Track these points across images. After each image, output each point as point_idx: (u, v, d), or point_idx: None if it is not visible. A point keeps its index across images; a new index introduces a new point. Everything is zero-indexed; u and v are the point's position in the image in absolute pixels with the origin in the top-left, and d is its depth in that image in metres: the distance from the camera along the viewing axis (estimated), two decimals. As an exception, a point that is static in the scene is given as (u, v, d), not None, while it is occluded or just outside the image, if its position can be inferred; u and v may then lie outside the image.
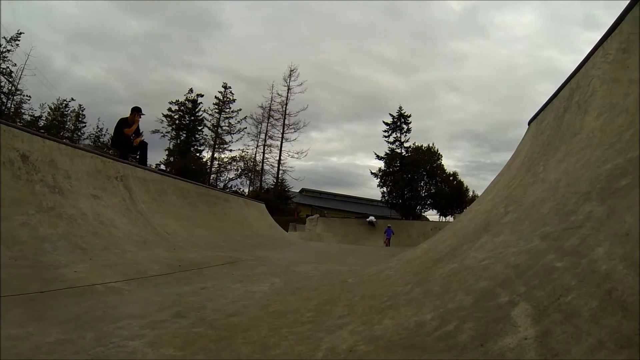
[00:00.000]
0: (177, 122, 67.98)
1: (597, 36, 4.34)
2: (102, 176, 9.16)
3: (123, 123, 14.10)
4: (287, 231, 38.58)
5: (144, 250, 7.52)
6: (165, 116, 67.24)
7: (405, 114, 68.03)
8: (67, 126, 66.37)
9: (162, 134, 66.67)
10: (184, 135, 68.34)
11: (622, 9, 3.78)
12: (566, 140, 4.14)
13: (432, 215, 68.99)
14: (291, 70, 73.05)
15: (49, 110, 63.53)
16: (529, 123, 6.40)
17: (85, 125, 68.10)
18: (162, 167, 63.39)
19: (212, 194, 16.68)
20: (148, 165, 16.08)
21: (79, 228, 6.85)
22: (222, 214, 15.98)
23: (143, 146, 14.78)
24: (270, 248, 14.20)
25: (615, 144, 3.00)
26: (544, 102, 5.68)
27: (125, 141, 14.07)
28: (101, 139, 64.83)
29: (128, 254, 6.86)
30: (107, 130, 64.42)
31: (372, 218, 33.22)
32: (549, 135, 4.85)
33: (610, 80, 3.65)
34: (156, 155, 67.74)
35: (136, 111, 14.39)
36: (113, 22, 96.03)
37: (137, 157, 14.87)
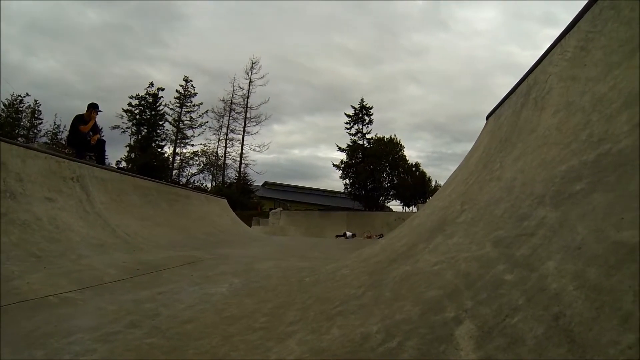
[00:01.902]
0: (137, 117, 65.65)
1: (556, 33, 4.33)
2: (57, 177, 8.74)
3: (79, 120, 13.53)
4: (251, 226, 38.39)
5: (101, 255, 7.22)
6: (126, 111, 64.84)
7: (367, 106, 68.34)
8: (22, 123, 63.41)
9: (122, 130, 64.39)
10: (145, 130, 66.17)
11: (581, 8, 3.76)
12: (523, 137, 4.07)
13: (395, 205, 69.80)
14: (253, 63, 71.81)
15: (3, 107, 60.62)
16: (487, 118, 6.37)
17: (41, 122, 64.81)
18: (123, 164, 61.69)
19: (173, 192, 16.34)
20: (107, 164, 15.78)
21: (33, 234, 6.50)
22: (184, 212, 15.65)
23: (100, 144, 14.26)
24: (233, 244, 13.96)
25: (570, 143, 2.94)
26: (502, 96, 5.67)
27: (82, 139, 13.52)
28: (59, 136, 62.31)
29: (85, 259, 6.55)
30: (64, 126, 60.17)
31: (348, 233, 33.11)
32: (506, 131, 4.79)
33: (568, 77, 3.59)
34: (117, 152, 66.77)
35: (93, 107, 13.75)
36: (70, 13, 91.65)
37: (95, 155, 14.32)
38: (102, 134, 62.09)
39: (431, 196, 68.77)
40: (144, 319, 4.01)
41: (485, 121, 6.57)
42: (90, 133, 13.73)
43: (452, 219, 4.19)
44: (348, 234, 32.24)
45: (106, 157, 17.41)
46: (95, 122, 14.00)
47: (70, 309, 4.24)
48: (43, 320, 3.75)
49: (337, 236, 31.79)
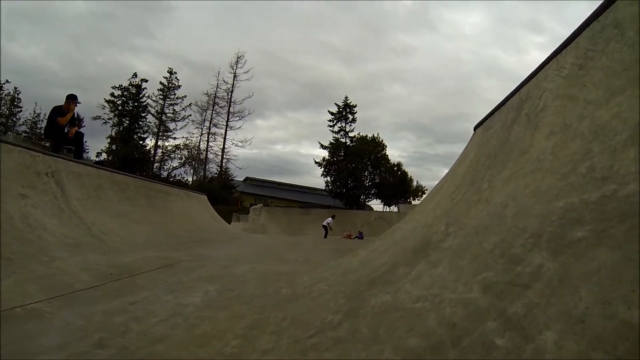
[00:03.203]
0: (119, 108, 64.57)
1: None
2: (30, 172, 8.38)
3: (57, 111, 12.88)
4: (231, 221, 38.27)
5: (75, 256, 6.89)
6: (108, 102, 63.60)
7: (351, 104, 68.51)
8: (1, 111, 62.35)
9: (104, 121, 63.25)
10: (127, 122, 65.14)
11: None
12: (513, 157, 3.84)
13: (376, 204, 70.01)
14: (238, 57, 71.93)
15: (-20, 95, 58.53)
16: (475, 128, 6.16)
17: (21, 110, 63.92)
18: (104, 155, 61.13)
19: (151, 187, 15.91)
20: (85, 157, 15.50)
21: (5, 234, 6.17)
22: (163, 208, 15.32)
23: (79, 137, 13.67)
24: (212, 243, 13.67)
25: (568, 175, 2.71)
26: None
27: (60, 131, 12.89)
28: (38, 125, 61.10)
29: (57, 261, 6.23)
30: (44, 115, 58.65)
31: (329, 220, 33.40)
32: (495, 146, 4.56)
33: (564, 96, 3.35)
34: (98, 143, 66.08)
35: (71, 99, 13.11)
36: None
37: (72, 148, 13.69)
38: (83, 125, 62.46)
39: (412, 196, 69.62)
40: (113, 336, 3.78)
41: (471, 126, 6.41)
42: (69, 125, 13.18)
43: (436, 241, 3.95)
44: (329, 220, 32.51)
45: (85, 150, 17.18)
46: (74, 114, 13.46)
47: (36, 324, 3.97)
48: (8, 339, 3.48)
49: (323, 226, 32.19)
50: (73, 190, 9.87)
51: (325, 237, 31.00)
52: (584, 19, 3.42)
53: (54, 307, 4.51)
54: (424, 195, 72.92)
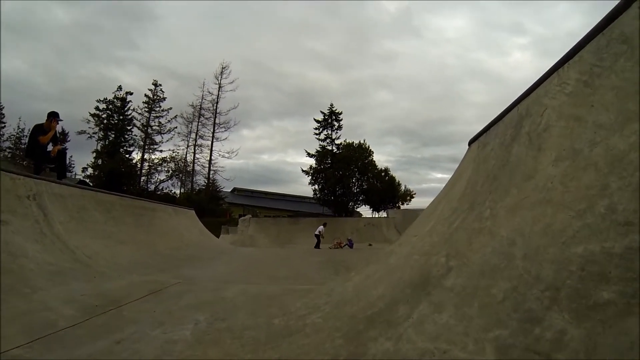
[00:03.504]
0: (105, 121, 63.98)
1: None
2: (11, 196, 8.01)
3: (38, 130, 12.56)
4: (220, 234, 38.11)
5: (58, 286, 6.51)
6: (93, 115, 63.11)
7: (337, 111, 69.77)
8: None
9: (89, 135, 62.92)
10: (113, 135, 64.57)
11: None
12: (517, 182, 3.58)
13: (365, 210, 70.51)
14: (222, 68, 72.68)
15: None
16: (470, 143, 5.94)
17: (4, 126, 62.64)
18: (90, 170, 60.90)
19: (138, 205, 15.57)
20: (69, 176, 15.19)
21: None
22: (150, 226, 14.97)
23: (61, 156, 13.35)
24: (200, 261, 13.38)
25: (585, 213, 2.43)
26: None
27: (41, 151, 12.57)
28: (22, 141, 60.83)
29: (39, 293, 5.85)
30: (28, 130, 60.26)
31: (321, 228, 33.36)
32: (494, 166, 4.31)
33: (570, 117, 3.07)
34: (83, 158, 65.75)
35: (53, 116, 12.75)
36: (38, 10, 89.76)
37: (55, 168, 13.40)
38: (68, 139, 62.28)
39: (400, 200, 69.88)
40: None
41: (464, 137, 6.21)
42: (51, 144, 12.87)
43: (437, 276, 3.65)
44: (321, 228, 32.50)
45: (71, 165, 16.91)
46: (56, 132, 13.15)
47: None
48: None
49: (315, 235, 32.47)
50: (56, 212, 9.53)
51: (317, 246, 30.95)
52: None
53: (35, 353, 4.13)
54: (413, 199, 73.57)
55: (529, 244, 2.82)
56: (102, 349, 4.39)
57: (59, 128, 13.28)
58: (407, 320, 3.39)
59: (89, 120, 63.36)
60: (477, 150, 5.31)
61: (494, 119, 5.01)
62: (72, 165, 63.97)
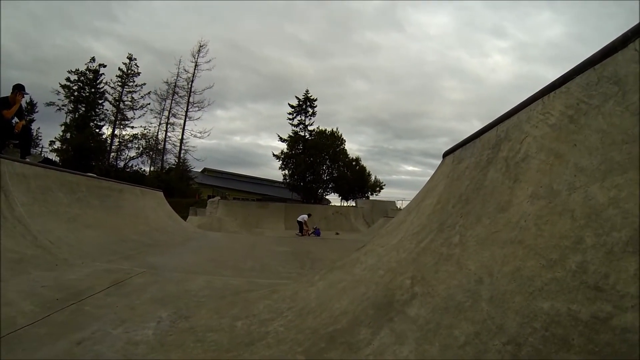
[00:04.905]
0: (75, 93, 61.24)
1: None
2: None
3: (2, 103, 11.68)
4: (188, 215, 37.72)
5: (18, 275, 6.09)
6: (63, 87, 60.12)
7: (312, 98, 69.50)
8: None
9: (58, 107, 60.12)
10: (83, 109, 61.92)
11: (571, 67, 3.17)
12: (490, 211, 3.45)
13: (334, 198, 70.69)
14: (200, 46, 70.70)
15: None
16: (444, 155, 5.84)
17: None
18: (58, 144, 58.56)
19: (104, 186, 14.98)
20: (32, 153, 14.79)
21: None
22: (116, 208, 14.49)
23: (26, 131, 12.63)
24: (167, 247, 13.14)
25: (555, 265, 2.32)
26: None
27: (5, 125, 11.80)
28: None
29: None
30: None
31: (305, 217, 33.29)
32: (467, 188, 4.18)
33: (551, 152, 2.96)
34: (51, 131, 64.16)
35: (18, 89, 11.93)
36: None
37: (19, 144, 12.72)
38: (36, 111, 60.58)
39: (370, 191, 70.25)
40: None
41: (442, 159, 6.05)
42: (15, 119, 12.17)
43: (401, 301, 3.54)
44: (304, 216, 32.52)
45: (38, 138, 16.43)
46: (21, 105, 12.39)
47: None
48: None
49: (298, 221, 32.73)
50: (18, 194, 8.92)
51: (300, 232, 31.66)
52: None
53: (-7, 356, 3.90)
54: (382, 190, 73.93)
55: (497, 286, 2.71)
56: (62, 350, 4.14)
57: (24, 102, 12.87)
58: (368, 346, 3.28)
59: (59, 92, 60.95)
60: (452, 164, 5.19)
61: (472, 135, 4.88)
62: (39, 138, 61.89)
